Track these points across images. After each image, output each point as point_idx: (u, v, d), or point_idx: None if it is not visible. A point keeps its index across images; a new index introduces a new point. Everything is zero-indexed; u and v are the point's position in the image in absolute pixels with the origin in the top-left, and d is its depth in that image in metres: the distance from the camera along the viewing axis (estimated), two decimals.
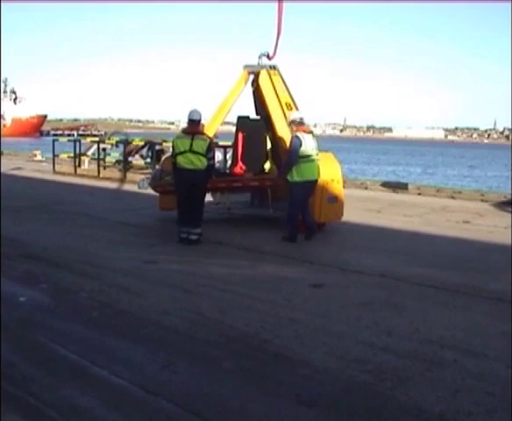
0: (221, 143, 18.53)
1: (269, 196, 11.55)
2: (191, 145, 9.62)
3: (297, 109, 11.56)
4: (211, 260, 8.73)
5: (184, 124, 10.81)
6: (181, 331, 5.68)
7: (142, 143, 23.87)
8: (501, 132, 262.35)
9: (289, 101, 11.56)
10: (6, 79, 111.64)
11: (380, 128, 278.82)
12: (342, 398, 4.35)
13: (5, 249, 8.85)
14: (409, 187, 19.33)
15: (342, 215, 11.27)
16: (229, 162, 15.45)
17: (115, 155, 25.45)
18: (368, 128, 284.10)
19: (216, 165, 13.69)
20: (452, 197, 17.41)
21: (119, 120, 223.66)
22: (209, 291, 7.01)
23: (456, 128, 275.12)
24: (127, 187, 18.02)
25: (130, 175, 19.96)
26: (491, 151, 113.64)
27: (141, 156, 24.34)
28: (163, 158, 13.22)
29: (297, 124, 10.23)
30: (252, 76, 11.85)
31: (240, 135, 11.86)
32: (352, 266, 8.49)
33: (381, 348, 5.30)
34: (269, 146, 11.92)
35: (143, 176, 17.23)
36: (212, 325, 5.81)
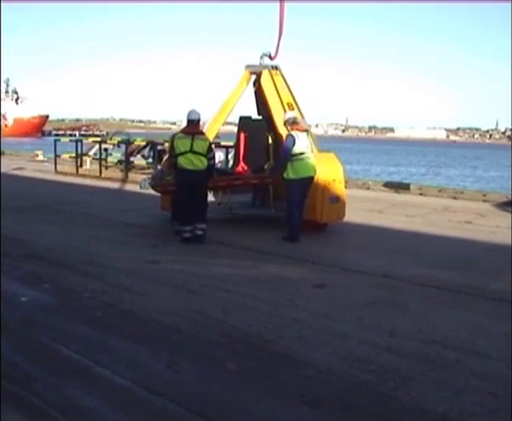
0: (223, 143, 18.56)
1: (271, 195, 11.56)
2: (191, 145, 9.62)
3: (299, 109, 11.57)
4: (213, 261, 8.73)
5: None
6: (183, 331, 5.68)
7: (144, 143, 23.89)
8: (503, 133, 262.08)
9: (291, 101, 11.56)
10: (8, 79, 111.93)
11: (382, 128, 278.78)
12: (345, 398, 4.35)
13: (7, 249, 8.86)
14: (411, 187, 19.33)
15: (344, 215, 11.27)
16: (231, 162, 15.48)
17: (117, 155, 25.48)
18: (370, 128, 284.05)
19: (218, 165, 13.72)
20: (454, 198, 17.41)
21: (121, 120, 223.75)
22: (211, 291, 7.01)
23: (458, 128, 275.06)
24: (129, 187, 18.02)
25: (131, 175, 19.96)
26: (493, 151, 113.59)
27: (143, 156, 24.38)
28: (165, 158, 13.23)
29: (291, 124, 10.33)
30: (253, 76, 11.85)
31: (242, 135, 11.87)
32: (355, 266, 8.48)
33: (384, 348, 5.30)
34: (270, 142, 11.89)
35: (145, 176, 17.19)
36: (215, 325, 5.81)
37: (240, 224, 11.60)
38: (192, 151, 9.62)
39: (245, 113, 12.36)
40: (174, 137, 9.97)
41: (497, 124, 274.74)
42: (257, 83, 11.80)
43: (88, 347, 5.19)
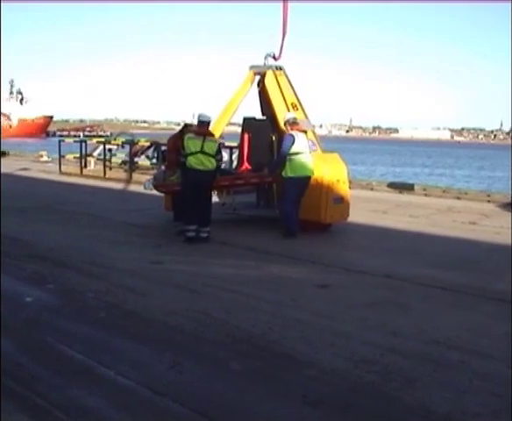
0: (227, 144, 18.55)
1: (275, 196, 11.56)
2: (202, 146, 9.78)
3: (303, 109, 11.59)
4: (217, 261, 8.74)
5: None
6: (187, 331, 5.69)
7: (148, 144, 23.89)
8: (508, 133, 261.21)
9: (295, 101, 11.58)
10: (12, 80, 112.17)
11: (387, 129, 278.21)
12: (349, 399, 4.35)
13: (11, 249, 8.89)
14: (415, 188, 19.30)
15: (348, 216, 11.27)
16: (235, 163, 15.48)
17: (121, 156, 25.50)
18: (374, 129, 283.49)
19: (222, 165, 13.71)
20: (458, 198, 17.39)
21: (125, 121, 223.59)
22: (215, 292, 7.02)
23: (462, 129, 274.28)
24: (133, 187, 18.04)
25: (136, 176, 19.99)
26: (497, 151, 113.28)
27: (147, 157, 24.39)
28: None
29: (291, 124, 10.56)
30: (258, 77, 11.87)
31: (246, 136, 11.88)
32: (358, 266, 8.48)
33: (388, 349, 5.30)
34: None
35: (149, 177, 17.22)
36: (219, 326, 5.82)
37: (244, 224, 11.61)
38: (202, 151, 9.79)
39: (250, 113, 12.39)
40: (184, 137, 10.09)
41: (501, 125, 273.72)
42: (261, 84, 11.82)
43: (92, 348, 5.21)
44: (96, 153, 25.47)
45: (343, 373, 4.77)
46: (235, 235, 10.62)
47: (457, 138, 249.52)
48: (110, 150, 24.04)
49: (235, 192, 12.07)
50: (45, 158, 29.81)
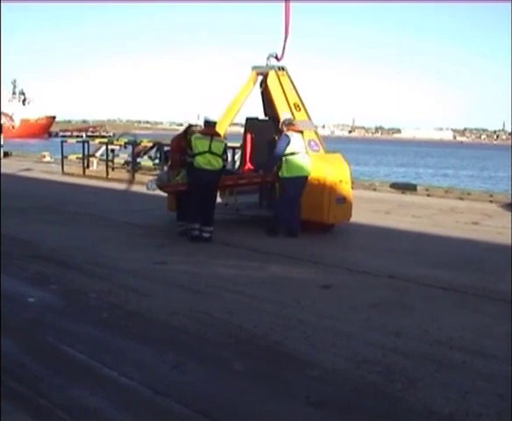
0: (229, 144, 18.52)
1: (277, 196, 11.54)
2: (210, 146, 9.89)
3: (306, 109, 11.60)
4: (220, 261, 8.74)
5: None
6: (190, 331, 5.69)
7: (150, 144, 23.93)
8: (510, 133, 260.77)
9: (298, 102, 11.58)
10: (15, 80, 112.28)
11: (389, 129, 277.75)
12: (351, 399, 4.35)
13: (14, 249, 8.91)
14: (418, 188, 19.29)
15: (350, 216, 11.27)
16: (237, 163, 15.47)
17: (123, 156, 25.54)
18: (377, 129, 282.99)
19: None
20: (461, 198, 17.39)
21: (128, 121, 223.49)
22: (218, 292, 7.02)
23: (465, 129, 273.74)
24: (136, 188, 18.05)
25: (138, 177, 20.01)
26: (500, 152, 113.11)
27: (150, 157, 24.41)
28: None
29: (287, 125, 10.72)
30: (260, 77, 11.88)
31: (249, 136, 11.89)
32: (360, 267, 8.48)
33: (391, 349, 5.29)
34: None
35: (151, 177, 17.23)
36: (221, 326, 5.82)
37: (246, 225, 11.61)
38: (210, 151, 9.91)
39: (252, 114, 12.39)
40: (192, 137, 10.13)
41: (504, 125, 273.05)
42: (263, 84, 11.82)
43: (95, 348, 5.21)
44: (98, 154, 25.50)
45: (345, 373, 4.76)
46: (238, 236, 10.63)
47: (459, 138, 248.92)
48: (112, 150, 24.08)
49: (238, 192, 12.07)
50: (47, 158, 29.85)
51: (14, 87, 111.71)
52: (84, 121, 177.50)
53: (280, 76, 11.61)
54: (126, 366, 4.81)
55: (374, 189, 19.42)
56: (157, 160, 22.84)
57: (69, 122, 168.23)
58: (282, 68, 11.74)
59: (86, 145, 23.50)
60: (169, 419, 4.04)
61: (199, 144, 9.91)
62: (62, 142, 24.49)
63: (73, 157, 24.91)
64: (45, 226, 11.16)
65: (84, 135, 65.20)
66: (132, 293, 6.88)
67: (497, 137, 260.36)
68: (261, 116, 12.28)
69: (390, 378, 4.67)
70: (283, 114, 11.06)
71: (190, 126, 11.05)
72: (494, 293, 7.27)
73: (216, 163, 9.96)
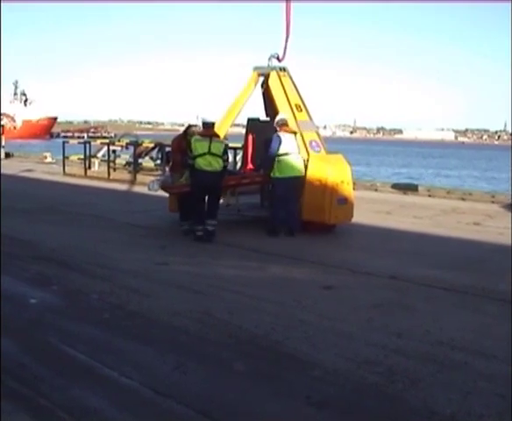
0: (230, 145, 18.53)
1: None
2: (209, 147, 9.90)
3: (307, 110, 11.60)
4: (221, 262, 8.73)
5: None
6: (191, 332, 5.69)
7: (152, 145, 23.94)
8: (511, 134, 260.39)
9: (299, 102, 11.59)
10: (17, 81, 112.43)
11: (391, 130, 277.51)
12: (352, 400, 4.34)
13: (15, 250, 8.92)
14: (420, 188, 19.28)
15: (352, 216, 11.26)
16: (238, 164, 15.47)
17: (125, 157, 25.56)
18: (378, 130, 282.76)
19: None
20: (463, 199, 17.37)
21: (129, 122, 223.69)
22: (219, 292, 7.01)
23: (466, 129, 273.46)
24: (137, 189, 18.06)
25: (140, 177, 20.02)
26: (502, 152, 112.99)
27: (151, 158, 24.44)
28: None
29: (281, 125, 10.76)
30: (261, 78, 11.87)
31: (250, 137, 11.89)
32: (362, 267, 8.47)
33: (392, 350, 5.28)
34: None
35: (153, 178, 17.24)
36: (222, 327, 5.81)
37: (247, 225, 11.61)
38: (210, 153, 9.92)
39: (253, 115, 12.39)
40: (191, 139, 10.16)
41: (505, 126, 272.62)
42: (265, 85, 11.82)
43: (96, 348, 5.21)
44: (100, 155, 25.52)
45: (347, 374, 4.76)
46: (239, 236, 10.63)
47: (461, 138, 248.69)
48: (114, 151, 24.08)
49: (239, 193, 12.07)
50: (49, 159, 29.88)
51: (16, 88, 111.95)
52: (86, 122, 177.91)
53: (282, 77, 11.61)
54: (127, 366, 4.81)
55: (376, 190, 19.41)
56: (158, 161, 22.86)
57: (71, 123, 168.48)
58: (284, 69, 11.75)
59: (87, 145, 23.49)
60: (170, 420, 4.04)
61: (198, 146, 9.92)
62: (64, 143, 24.50)
63: (74, 158, 24.92)
64: (46, 227, 11.17)
65: (86, 136, 65.36)
66: (134, 293, 6.87)
67: (498, 137, 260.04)
68: (263, 117, 12.27)
69: (392, 378, 4.66)
70: (279, 114, 11.06)
71: (190, 126, 11.05)
72: (495, 293, 7.26)
73: (217, 164, 9.96)
